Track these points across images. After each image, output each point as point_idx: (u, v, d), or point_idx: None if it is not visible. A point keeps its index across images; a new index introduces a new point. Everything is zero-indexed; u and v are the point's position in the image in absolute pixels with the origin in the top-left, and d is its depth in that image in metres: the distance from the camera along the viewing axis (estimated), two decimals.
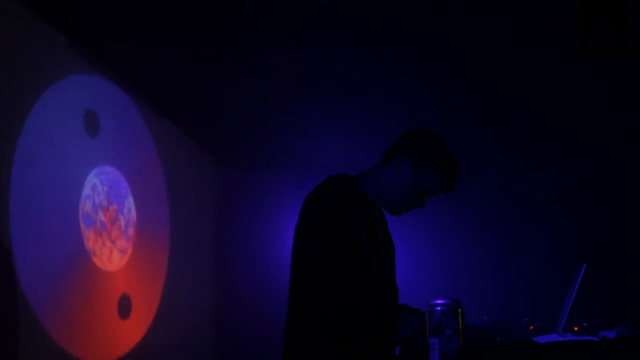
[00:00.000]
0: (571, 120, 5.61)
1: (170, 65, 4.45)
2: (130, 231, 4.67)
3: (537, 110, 5.45)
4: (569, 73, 4.70)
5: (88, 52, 4.14)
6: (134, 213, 4.78)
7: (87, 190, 4.25)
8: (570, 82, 4.85)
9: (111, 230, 4.40)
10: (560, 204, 6.70)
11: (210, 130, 5.85)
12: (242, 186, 6.86)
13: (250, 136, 6.02)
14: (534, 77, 4.81)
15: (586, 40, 3.42)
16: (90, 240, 4.16)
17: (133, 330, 4.69)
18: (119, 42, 4.10)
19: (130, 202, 4.77)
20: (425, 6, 3.78)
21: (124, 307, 4.50)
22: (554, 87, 4.98)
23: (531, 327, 3.16)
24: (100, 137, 4.39)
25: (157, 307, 5.07)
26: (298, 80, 4.73)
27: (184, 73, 4.59)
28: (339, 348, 2.08)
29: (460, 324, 1.79)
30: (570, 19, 3.69)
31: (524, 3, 3.77)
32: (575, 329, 2.79)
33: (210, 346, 6.33)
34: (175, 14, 3.79)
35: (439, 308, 1.79)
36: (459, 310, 1.80)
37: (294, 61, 4.41)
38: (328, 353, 2.07)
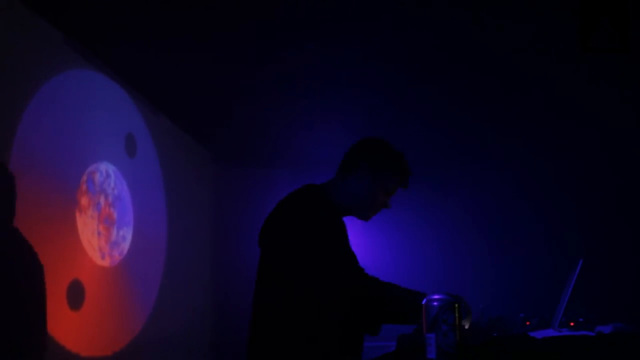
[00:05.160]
0: (570, 118, 5.63)
1: (168, 62, 4.45)
2: (115, 254, 4.56)
3: (536, 109, 5.46)
4: (569, 73, 4.71)
5: (85, 48, 4.14)
6: (127, 243, 4.72)
7: (101, 167, 4.28)
8: (570, 81, 4.87)
9: (104, 228, 4.38)
10: (556, 199, 6.73)
11: (207, 126, 5.85)
12: (240, 182, 6.87)
13: (248, 132, 6.02)
14: (533, 77, 4.82)
15: (586, 40, 3.43)
16: (83, 198, 4.09)
17: (128, 326, 4.69)
18: (116, 38, 4.10)
19: (128, 232, 4.74)
20: (425, 3, 3.78)
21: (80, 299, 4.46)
22: (553, 87, 4.99)
23: (527, 323, 3.16)
24: (98, 134, 4.39)
25: (153, 304, 5.07)
26: (295, 76, 4.73)
27: (181, 69, 4.59)
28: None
29: (457, 319, 1.80)
30: (570, 19, 3.70)
31: (525, 3, 3.77)
32: (572, 324, 2.80)
33: (207, 341, 6.34)
34: (171, 9, 3.78)
35: (435, 303, 1.80)
36: (456, 305, 1.81)
37: (292, 57, 4.41)
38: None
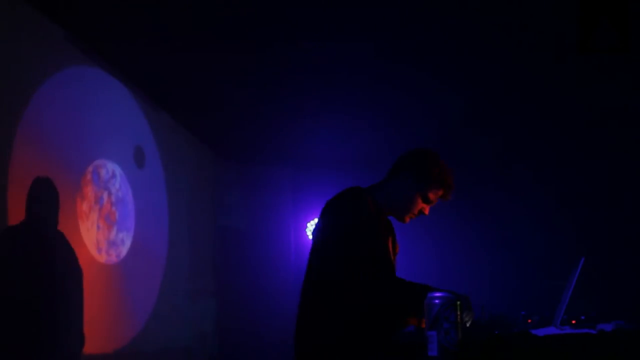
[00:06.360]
0: (570, 119, 5.62)
1: (168, 58, 4.45)
2: (112, 254, 4.53)
3: (536, 109, 5.46)
4: (568, 73, 4.71)
5: (86, 44, 4.14)
6: (126, 248, 4.71)
7: (108, 165, 4.31)
8: (570, 81, 4.86)
9: (104, 224, 4.38)
10: (558, 198, 6.72)
11: (209, 123, 5.86)
12: (241, 179, 6.87)
13: (249, 130, 6.02)
14: (533, 77, 4.82)
15: (586, 40, 3.44)
16: (86, 187, 4.09)
17: (124, 326, 4.67)
18: (116, 35, 4.10)
19: (128, 237, 4.73)
20: (425, 3, 3.79)
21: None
22: (553, 87, 4.99)
23: (529, 320, 3.16)
24: (99, 131, 4.39)
25: (152, 306, 5.06)
26: (296, 73, 4.74)
27: (182, 66, 4.59)
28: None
29: (459, 317, 1.80)
30: (570, 18, 3.70)
31: (524, 3, 3.77)
32: (573, 322, 2.80)
33: (208, 341, 6.34)
34: (172, 5, 3.79)
35: (437, 301, 1.80)
36: (458, 303, 1.81)
37: (293, 54, 4.42)
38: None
